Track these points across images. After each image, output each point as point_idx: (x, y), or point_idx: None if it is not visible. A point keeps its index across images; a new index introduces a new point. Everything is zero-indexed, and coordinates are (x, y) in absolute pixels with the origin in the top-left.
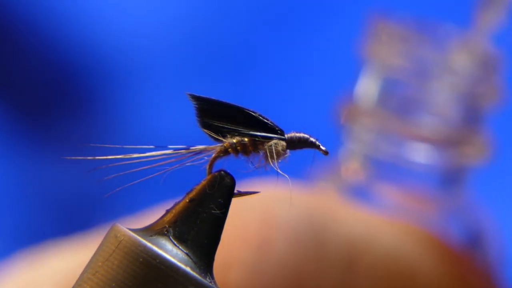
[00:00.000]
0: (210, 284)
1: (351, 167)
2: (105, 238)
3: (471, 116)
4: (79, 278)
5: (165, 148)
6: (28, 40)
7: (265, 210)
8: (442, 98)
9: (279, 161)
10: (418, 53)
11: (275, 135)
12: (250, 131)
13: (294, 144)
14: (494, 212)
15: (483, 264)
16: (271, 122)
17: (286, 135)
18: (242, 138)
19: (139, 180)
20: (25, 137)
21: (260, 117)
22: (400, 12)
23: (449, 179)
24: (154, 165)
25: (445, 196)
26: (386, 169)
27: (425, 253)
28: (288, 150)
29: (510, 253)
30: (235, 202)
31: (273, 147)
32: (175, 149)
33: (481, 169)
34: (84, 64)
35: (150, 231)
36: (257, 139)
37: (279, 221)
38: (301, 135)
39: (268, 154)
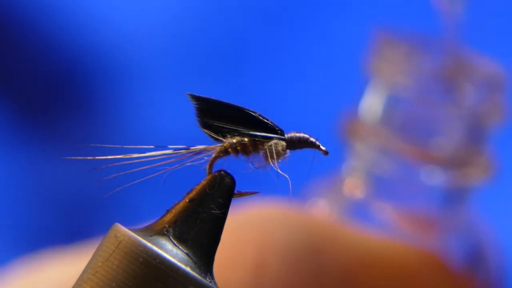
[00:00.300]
0: (210, 284)
1: (352, 183)
2: (105, 238)
3: (475, 136)
4: (79, 278)
5: (165, 148)
6: (29, 39)
7: (262, 230)
8: (446, 117)
9: (279, 161)
10: (423, 71)
11: (275, 135)
12: (250, 131)
13: (294, 144)
14: (497, 231)
15: (484, 285)
16: (271, 122)
17: (286, 135)
18: (242, 138)
19: (139, 180)
20: (25, 136)
21: (260, 117)
22: (405, 28)
23: (452, 199)
24: (154, 165)
25: (448, 216)
26: (388, 187)
27: (424, 274)
28: (288, 150)
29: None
30: (232, 221)
31: (273, 147)
32: (175, 149)
33: (484, 189)
34: (84, 63)
35: (150, 231)
36: (257, 139)
37: (276, 242)
38: (301, 135)
39: (268, 154)
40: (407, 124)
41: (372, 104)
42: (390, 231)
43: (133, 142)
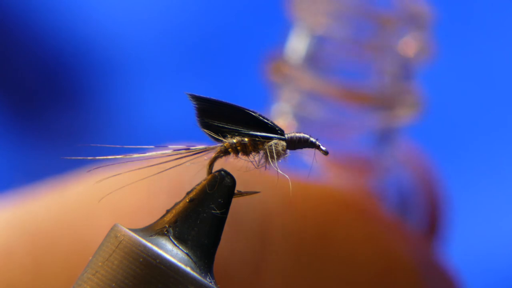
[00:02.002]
0: (210, 284)
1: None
2: (105, 238)
3: (403, 74)
4: (79, 278)
5: (165, 148)
6: (25, 35)
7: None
8: (373, 57)
9: (279, 161)
10: (347, 10)
11: (275, 135)
12: (250, 131)
13: (294, 144)
14: (435, 167)
15: (409, 230)
16: (271, 122)
17: (286, 135)
18: (242, 138)
19: (139, 180)
20: (19, 132)
21: (260, 117)
22: None
23: (382, 139)
24: (154, 165)
25: (378, 157)
26: (315, 130)
27: (341, 217)
28: (288, 150)
29: (449, 208)
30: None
31: (273, 147)
32: (175, 149)
33: (413, 127)
34: (85, 63)
35: (150, 231)
36: (257, 139)
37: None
38: (301, 135)
39: (268, 154)
40: (333, 65)
41: (296, 45)
42: (318, 174)
43: (133, 142)
